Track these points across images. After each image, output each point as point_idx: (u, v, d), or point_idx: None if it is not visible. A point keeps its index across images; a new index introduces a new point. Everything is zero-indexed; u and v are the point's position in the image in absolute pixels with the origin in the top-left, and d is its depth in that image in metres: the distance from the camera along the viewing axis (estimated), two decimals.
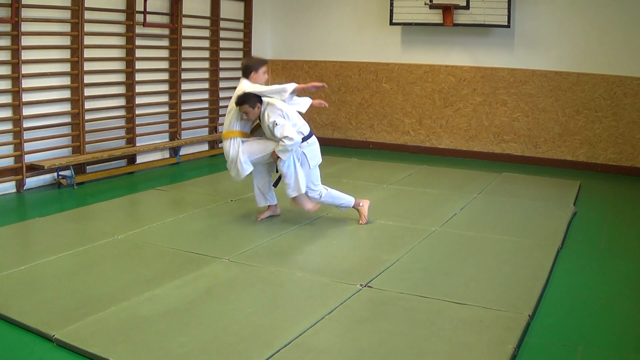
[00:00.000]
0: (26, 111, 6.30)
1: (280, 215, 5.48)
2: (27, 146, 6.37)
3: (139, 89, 7.60)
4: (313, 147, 5.13)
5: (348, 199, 5.26)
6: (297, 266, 4.32)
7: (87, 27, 6.79)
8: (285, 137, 4.81)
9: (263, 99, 4.99)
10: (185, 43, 8.25)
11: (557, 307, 3.79)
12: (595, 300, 3.94)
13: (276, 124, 4.85)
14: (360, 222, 5.26)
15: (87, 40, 6.82)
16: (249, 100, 4.93)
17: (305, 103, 5.22)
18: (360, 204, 5.30)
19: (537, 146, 8.52)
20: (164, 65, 8.05)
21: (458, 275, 4.21)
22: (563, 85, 8.24)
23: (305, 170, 5.06)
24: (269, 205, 5.42)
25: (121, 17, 7.30)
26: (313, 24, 9.75)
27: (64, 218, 5.47)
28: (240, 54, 9.46)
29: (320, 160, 5.22)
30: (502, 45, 8.51)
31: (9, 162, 6.28)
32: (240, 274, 4.16)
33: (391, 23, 8.89)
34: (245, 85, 5.03)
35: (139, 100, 7.62)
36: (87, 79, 6.89)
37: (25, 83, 6.26)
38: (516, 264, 4.47)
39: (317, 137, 5.27)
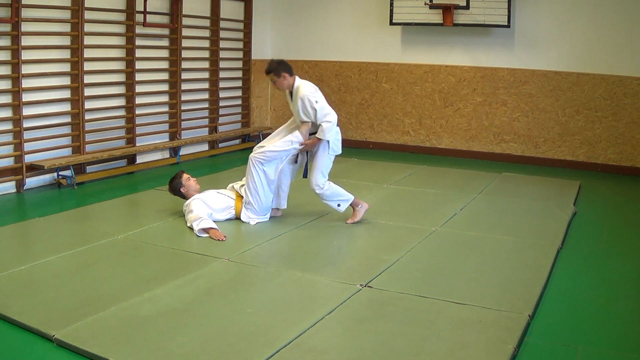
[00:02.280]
0: (26, 111, 6.30)
1: (280, 216, 5.49)
2: (27, 146, 6.37)
3: (139, 89, 7.60)
4: (338, 136, 5.22)
5: (348, 195, 5.24)
6: (297, 266, 4.31)
7: (87, 27, 6.79)
8: (327, 114, 4.99)
9: (297, 78, 5.17)
10: (185, 43, 8.25)
11: (557, 307, 3.79)
12: (595, 300, 3.94)
13: (317, 102, 4.99)
14: (348, 221, 5.25)
15: (87, 40, 6.82)
16: (274, 70, 5.10)
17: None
18: (359, 205, 5.29)
19: (537, 146, 8.52)
20: (164, 65, 8.05)
21: (458, 275, 4.21)
22: (563, 85, 8.24)
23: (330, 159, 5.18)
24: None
25: (121, 17, 7.30)
26: (313, 24, 9.75)
27: (64, 218, 5.46)
28: (240, 54, 9.47)
29: (340, 151, 5.28)
30: (502, 45, 8.51)
31: (9, 162, 6.28)
32: (240, 274, 4.16)
33: (391, 23, 8.89)
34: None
35: (139, 100, 7.62)
36: (87, 79, 6.89)
37: (25, 83, 6.26)
38: (516, 264, 4.47)
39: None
